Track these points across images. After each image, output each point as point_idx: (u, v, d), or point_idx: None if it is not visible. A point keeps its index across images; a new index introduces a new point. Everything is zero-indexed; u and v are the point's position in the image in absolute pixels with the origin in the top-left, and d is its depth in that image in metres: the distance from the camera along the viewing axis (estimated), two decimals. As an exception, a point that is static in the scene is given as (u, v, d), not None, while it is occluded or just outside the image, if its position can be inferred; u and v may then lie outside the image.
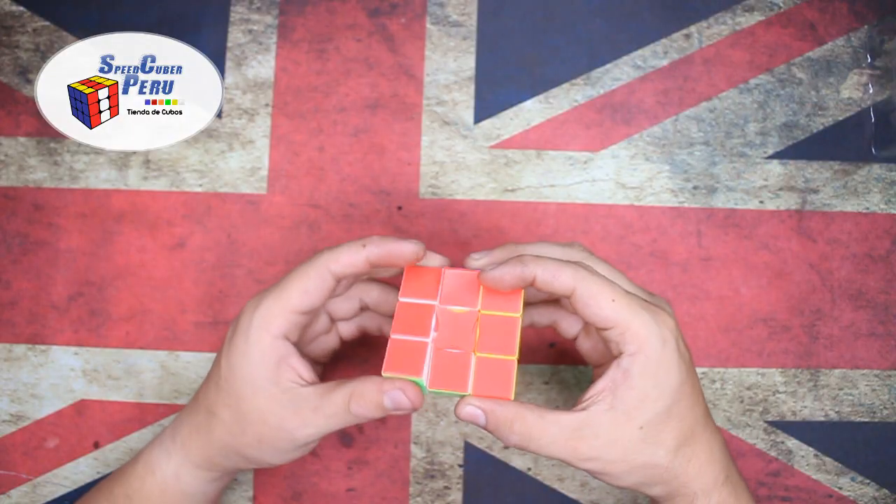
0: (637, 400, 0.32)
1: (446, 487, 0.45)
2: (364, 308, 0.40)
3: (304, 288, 0.34)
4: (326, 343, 0.40)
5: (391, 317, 0.39)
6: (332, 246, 0.35)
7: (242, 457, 0.35)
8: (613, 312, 0.32)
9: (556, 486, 0.45)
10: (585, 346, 0.38)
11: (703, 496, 0.34)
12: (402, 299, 0.34)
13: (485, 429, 0.33)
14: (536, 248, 0.36)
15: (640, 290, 0.36)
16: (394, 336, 0.34)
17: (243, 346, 0.34)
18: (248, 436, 0.34)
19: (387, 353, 0.33)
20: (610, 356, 0.34)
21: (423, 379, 0.33)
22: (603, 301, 0.32)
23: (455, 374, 0.33)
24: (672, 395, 0.33)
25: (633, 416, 0.32)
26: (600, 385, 0.33)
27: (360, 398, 0.33)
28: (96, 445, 0.45)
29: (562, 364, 0.45)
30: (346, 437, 0.45)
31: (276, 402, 0.34)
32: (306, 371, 0.35)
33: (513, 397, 0.33)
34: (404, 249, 0.34)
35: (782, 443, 0.45)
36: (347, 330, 0.40)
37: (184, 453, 0.36)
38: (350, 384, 0.34)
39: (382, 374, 0.33)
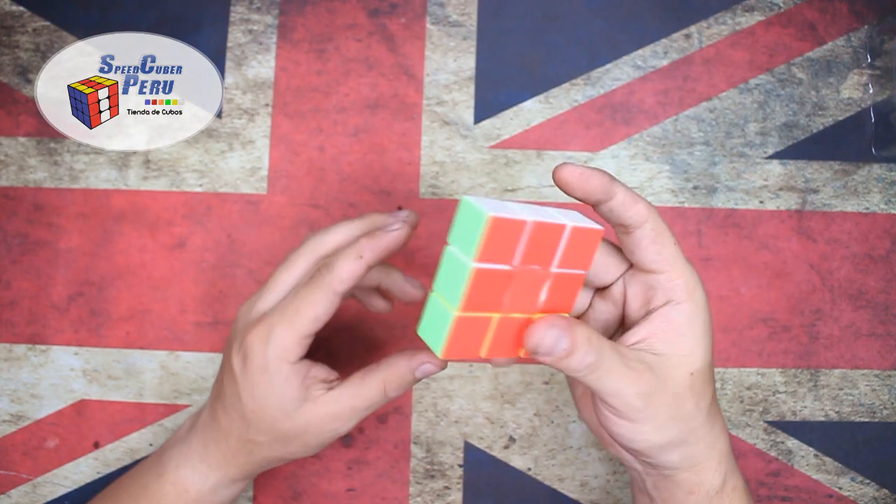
0: (690, 348, 0.32)
1: (446, 487, 0.45)
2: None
3: (315, 315, 0.34)
4: None
5: (372, 286, 0.40)
6: (330, 257, 0.34)
7: (284, 460, 0.37)
8: (673, 256, 0.32)
9: (556, 486, 0.45)
10: (600, 308, 0.36)
11: (724, 461, 0.33)
12: (477, 265, 0.27)
13: (557, 359, 0.29)
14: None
15: None
16: (460, 315, 0.28)
17: (264, 378, 0.34)
18: (294, 446, 0.36)
19: (450, 334, 0.28)
20: (637, 313, 0.33)
21: (480, 350, 0.29)
22: (669, 241, 0.32)
23: (510, 340, 0.30)
24: (711, 347, 0.33)
25: (687, 364, 0.32)
26: (642, 332, 0.32)
27: (394, 382, 0.35)
28: (96, 445, 0.45)
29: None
30: (346, 437, 0.45)
31: (314, 414, 0.35)
32: (325, 372, 0.35)
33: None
34: (397, 237, 0.34)
35: (782, 443, 0.45)
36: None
37: (222, 473, 0.37)
38: (379, 372, 0.35)
39: (439, 357, 0.29)
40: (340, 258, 0.34)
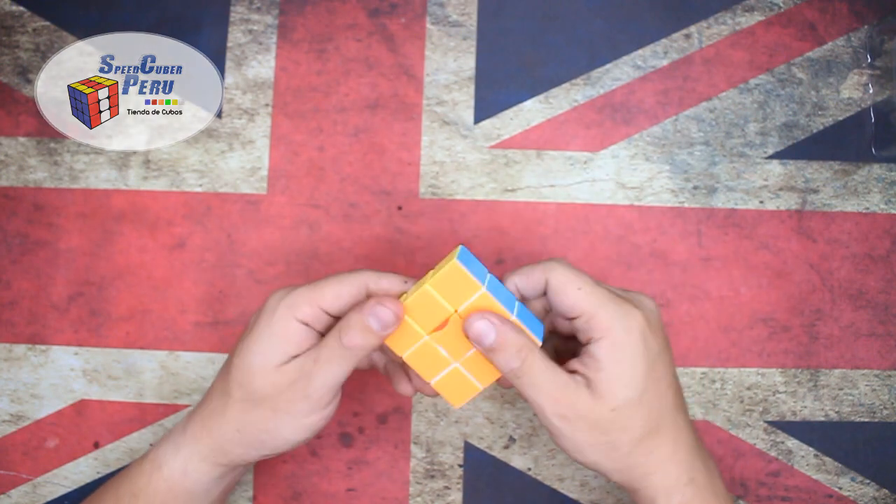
0: (608, 382, 0.33)
1: (446, 487, 0.45)
2: None
3: (338, 292, 0.35)
4: None
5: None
6: (376, 270, 0.36)
7: (255, 439, 0.36)
8: (579, 301, 0.34)
9: (556, 486, 0.45)
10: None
11: (664, 494, 0.34)
12: (404, 356, 0.35)
13: (487, 349, 0.34)
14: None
15: (615, 288, 0.37)
16: (432, 382, 0.36)
17: (266, 325, 0.35)
18: (264, 409, 0.35)
19: (443, 396, 0.36)
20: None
21: (478, 386, 0.36)
22: (570, 289, 0.34)
23: (488, 365, 0.35)
24: (641, 382, 0.34)
25: (606, 398, 0.33)
26: (574, 365, 0.35)
27: (348, 329, 0.34)
28: (96, 445, 0.45)
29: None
30: (346, 437, 0.45)
31: (286, 371, 0.34)
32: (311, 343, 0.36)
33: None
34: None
35: (782, 443, 0.45)
36: (375, 357, 0.41)
37: (194, 444, 0.36)
38: (339, 322, 0.35)
39: (455, 407, 0.37)
40: (389, 274, 0.36)
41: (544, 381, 0.34)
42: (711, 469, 0.36)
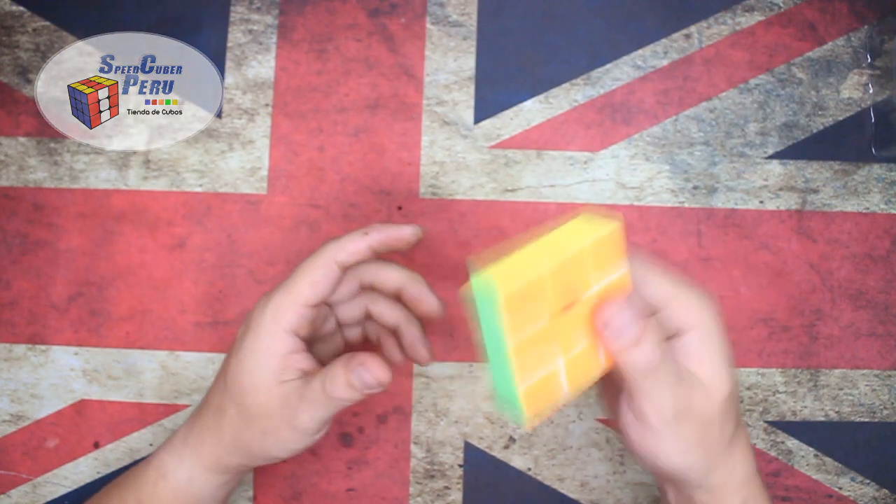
0: (712, 375, 0.31)
1: (446, 487, 0.45)
2: (368, 316, 0.40)
3: (313, 280, 0.34)
4: (332, 344, 0.40)
5: (391, 326, 0.39)
6: (335, 237, 0.35)
7: (249, 452, 0.36)
8: (667, 289, 0.31)
9: (556, 486, 0.45)
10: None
11: (744, 485, 0.33)
12: (512, 343, 0.26)
13: (624, 346, 0.29)
14: None
15: None
16: (522, 388, 0.27)
17: (253, 341, 0.34)
18: (254, 429, 0.35)
19: (523, 409, 0.28)
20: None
21: (565, 392, 0.29)
22: (656, 278, 0.31)
23: (586, 365, 0.30)
24: (732, 372, 0.32)
25: (714, 392, 0.31)
26: None
27: (332, 380, 0.33)
28: (96, 445, 0.45)
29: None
30: (346, 437, 0.45)
31: (274, 395, 0.34)
32: (308, 363, 0.35)
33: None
34: (404, 233, 0.35)
35: (782, 443, 0.45)
36: (352, 334, 0.41)
37: (195, 456, 0.37)
38: (326, 367, 0.34)
39: (527, 427, 0.30)
40: (347, 234, 0.35)
41: (672, 375, 0.30)
42: None
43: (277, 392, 0.34)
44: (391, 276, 0.38)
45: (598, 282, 0.28)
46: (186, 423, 0.38)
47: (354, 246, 0.35)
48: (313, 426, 0.35)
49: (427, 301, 0.37)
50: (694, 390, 0.31)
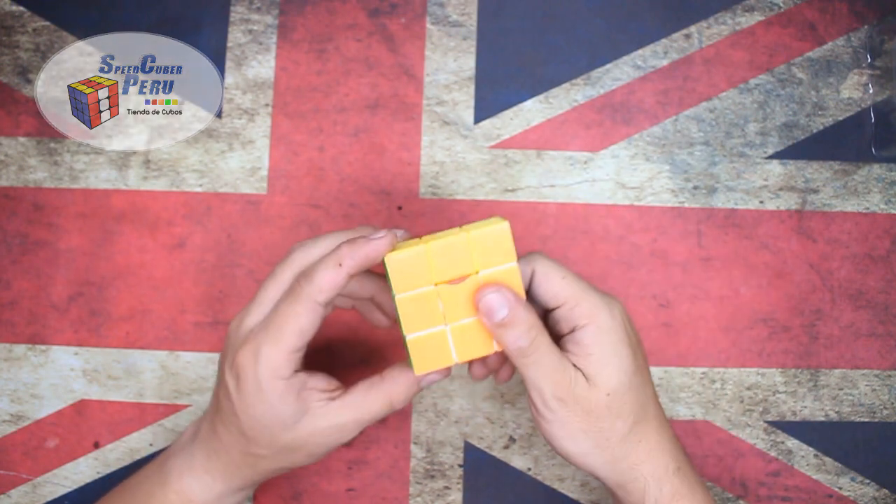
0: (599, 366, 0.34)
1: (446, 487, 0.45)
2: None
3: (300, 329, 0.33)
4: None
5: (367, 297, 0.39)
6: (307, 264, 0.34)
7: (289, 468, 0.37)
8: (564, 288, 0.34)
9: (556, 486, 0.45)
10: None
11: (654, 483, 0.34)
12: (399, 296, 0.33)
13: (497, 324, 0.33)
14: None
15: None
16: (409, 337, 0.34)
17: (259, 397, 0.34)
18: (298, 456, 0.36)
19: (411, 356, 0.34)
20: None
21: (454, 359, 0.34)
22: (555, 277, 0.34)
23: (477, 340, 0.34)
24: (629, 365, 0.34)
25: (600, 383, 0.33)
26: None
27: (400, 394, 0.35)
28: (96, 445, 0.45)
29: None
30: (346, 437, 0.45)
31: (315, 426, 0.35)
32: (325, 382, 0.35)
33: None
34: (379, 249, 0.33)
35: (782, 443, 0.45)
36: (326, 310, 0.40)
37: (227, 484, 0.37)
38: (383, 385, 0.35)
39: (416, 374, 0.34)
40: (320, 267, 0.33)
41: (549, 362, 0.33)
42: (688, 458, 0.37)
43: (316, 424, 0.34)
44: (364, 287, 0.38)
45: (484, 268, 0.33)
46: (201, 454, 0.37)
47: (331, 282, 0.33)
48: (359, 430, 0.36)
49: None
50: (575, 380, 0.33)
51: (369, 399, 0.35)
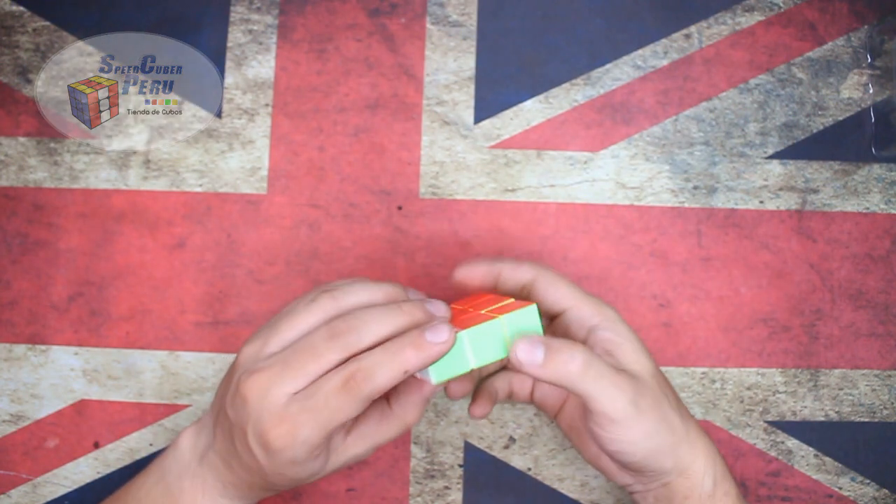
0: (632, 354, 0.34)
1: (446, 487, 0.45)
2: None
3: (344, 419, 0.32)
4: None
5: None
6: (335, 313, 0.33)
7: (301, 484, 0.36)
8: (568, 293, 0.35)
9: (556, 486, 0.45)
10: (540, 393, 0.40)
11: (709, 471, 0.35)
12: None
13: (542, 365, 0.32)
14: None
15: None
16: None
17: (295, 467, 0.33)
18: (317, 478, 0.35)
19: (430, 367, 0.33)
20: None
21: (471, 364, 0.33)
22: (560, 284, 0.36)
23: (491, 344, 0.33)
24: (649, 354, 0.35)
25: (641, 368, 0.34)
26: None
27: (412, 418, 0.35)
28: (96, 445, 0.45)
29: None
30: (346, 437, 0.45)
31: (337, 461, 0.35)
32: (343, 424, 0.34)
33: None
34: (443, 351, 0.32)
35: (782, 443, 0.45)
36: None
37: (237, 501, 0.36)
38: (394, 414, 0.35)
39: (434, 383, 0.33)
40: (383, 369, 0.31)
41: (606, 370, 0.32)
42: None
43: (336, 461, 0.34)
44: None
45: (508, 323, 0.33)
46: (217, 479, 0.36)
47: (390, 383, 0.31)
48: (370, 451, 0.36)
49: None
50: (629, 373, 0.33)
51: (383, 428, 0.35)
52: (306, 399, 0.31)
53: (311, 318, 0.33)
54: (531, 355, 0.32)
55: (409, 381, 0.35)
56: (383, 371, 0.31)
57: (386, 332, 0.32)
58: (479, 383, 0.40)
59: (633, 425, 0.32)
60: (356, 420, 0.35)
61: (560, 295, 0.35)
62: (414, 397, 0.35)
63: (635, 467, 0.34)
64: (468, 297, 0.39)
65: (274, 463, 0.32)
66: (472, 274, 0.37)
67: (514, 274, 0.36)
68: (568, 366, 0.32)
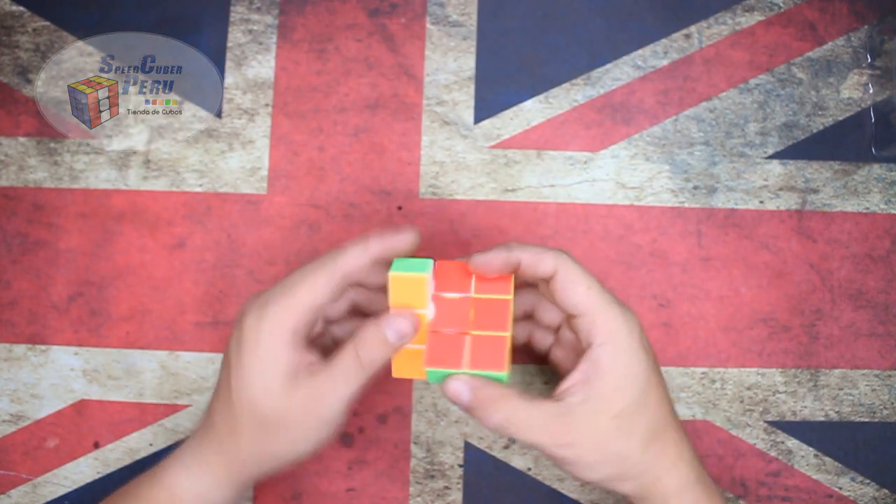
0: (610, 389, 0.33)
1: (446, 487, 0.45)
2: (355, 309, 0.40)
3: (312, 285, 0.34)
4: (320, 345, 0.40)
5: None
6: (336, 248, 0.35)
7: (274, 459, 0.35)
8: (587, 299, 0.34)
9: (556, 486, 0.45)
10: (559, 354, 0.40)
11: (676, 495, 0.35)
12: (394, 307, 0.35)
13: (466, 408, 0.34)
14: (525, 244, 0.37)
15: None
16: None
17: (254, 354, 0.34)
18: (278, 437, 0.34)
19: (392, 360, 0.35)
20: (579, 353, 0.35)
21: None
22: (580, 287, 0.34)
23: (450, 352, 0.34)
24: (642, 385, 0.34)
25: (608, 406, 0.33)
26: (573, 378, 0.34)
27: (367, 349, 0.34)
28: (96, 445, 0.45)
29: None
30: (346, 437, 0.45)
31: (294, 398, 0.34)
32: (315, 358, 0.35)
33: (507, 370, 0.34)
34: (405, 241, 0.35)
35: (782, 443, 0.45)
36: (340, 331, 0.41)
37: (210, 473, 0.36)
38: (351, 343, 0.34)
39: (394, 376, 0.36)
40: (348, 244, 0.35)
41: (533, 420, 0.33)
42: (704, 466, 0.37)
43: (294, 396, 0.34)
44: (378, 277, 0.38)
45: (481, 293, 0.35)
46: (194, 442, 0.37)
47: (357, 259, 0.34)
48: (342, 411, 0.35)
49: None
50: (573, 418, 0.33)
51: (339, 360, 0.34)
52: (282, 283, 0.35)
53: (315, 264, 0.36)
54: (454, 395, 0.34)
55: (371, 319, 0.35)
56: (350, 245, 0.35)
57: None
58: None
59: (569, 464, 0.34)
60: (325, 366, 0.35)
61: (577, 300, 0.34)
62: (370, 329, 0.35)
63: (585, 479, 0.35)
64: (458, 264, 0.37)
65: (240, 356, 0.34)
66: (490, 265, 0.35)
67: (535, 268, 0.35)
68: (491, 420, 0.34)
